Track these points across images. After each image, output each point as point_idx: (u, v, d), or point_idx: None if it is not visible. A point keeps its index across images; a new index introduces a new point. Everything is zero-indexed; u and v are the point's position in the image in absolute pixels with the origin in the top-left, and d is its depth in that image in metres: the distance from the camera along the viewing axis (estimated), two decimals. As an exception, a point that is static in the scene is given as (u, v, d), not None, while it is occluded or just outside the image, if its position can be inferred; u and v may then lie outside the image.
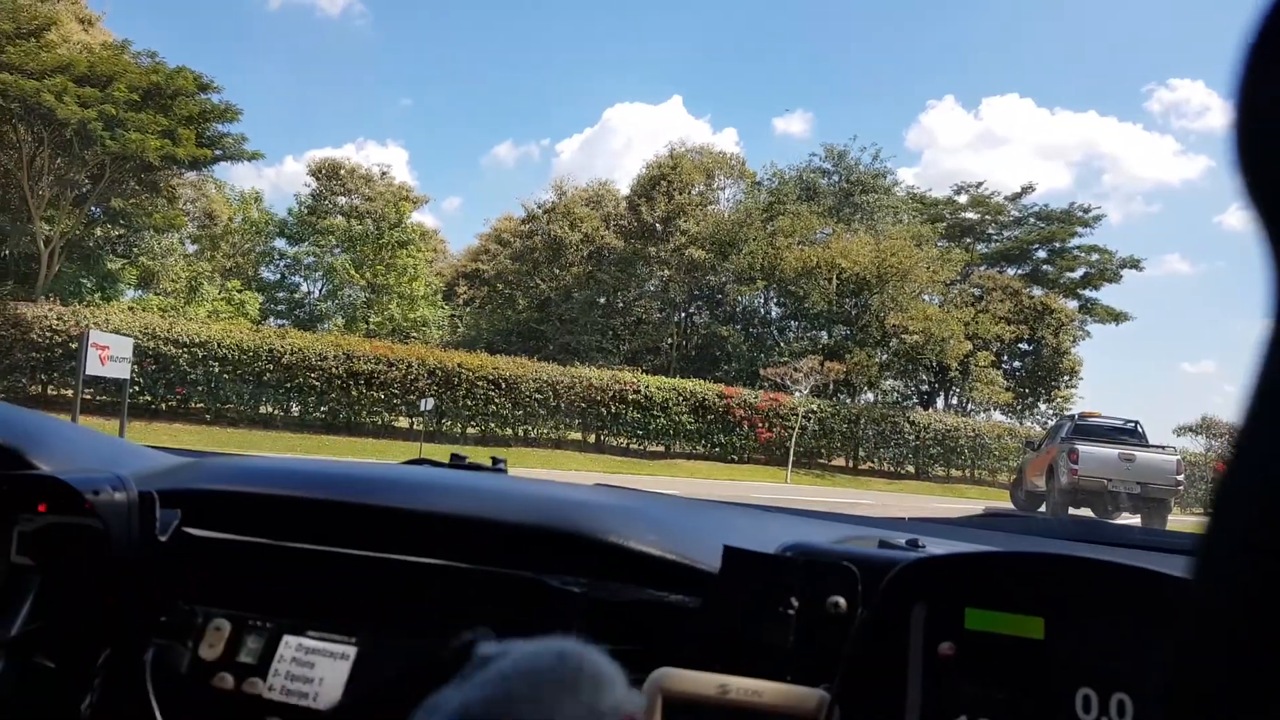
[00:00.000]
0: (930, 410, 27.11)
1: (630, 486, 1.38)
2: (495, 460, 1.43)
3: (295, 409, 19.69)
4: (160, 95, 20.11)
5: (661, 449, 22.43)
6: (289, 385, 18.96)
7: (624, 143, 63.51)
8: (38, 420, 1.17)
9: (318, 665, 0.87)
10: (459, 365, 20.17)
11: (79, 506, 0.90)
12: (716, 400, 22.07)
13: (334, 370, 19.06)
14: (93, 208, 22.11)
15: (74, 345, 16.31)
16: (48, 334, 17.19)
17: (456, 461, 1.41)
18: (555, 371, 21.28)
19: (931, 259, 27.00)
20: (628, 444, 22.09)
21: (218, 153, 21.85)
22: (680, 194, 29.91)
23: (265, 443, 16.96)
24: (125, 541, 0.92)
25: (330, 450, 16.91)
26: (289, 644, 0.89)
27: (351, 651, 0.88)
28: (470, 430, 20.83)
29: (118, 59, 20.17)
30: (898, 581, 0.71)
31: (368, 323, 29.86)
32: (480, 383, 20.21)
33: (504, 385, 20.43)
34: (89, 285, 22.68)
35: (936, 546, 0.87)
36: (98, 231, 23.49)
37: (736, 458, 22.24)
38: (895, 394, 29.66)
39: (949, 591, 0.70)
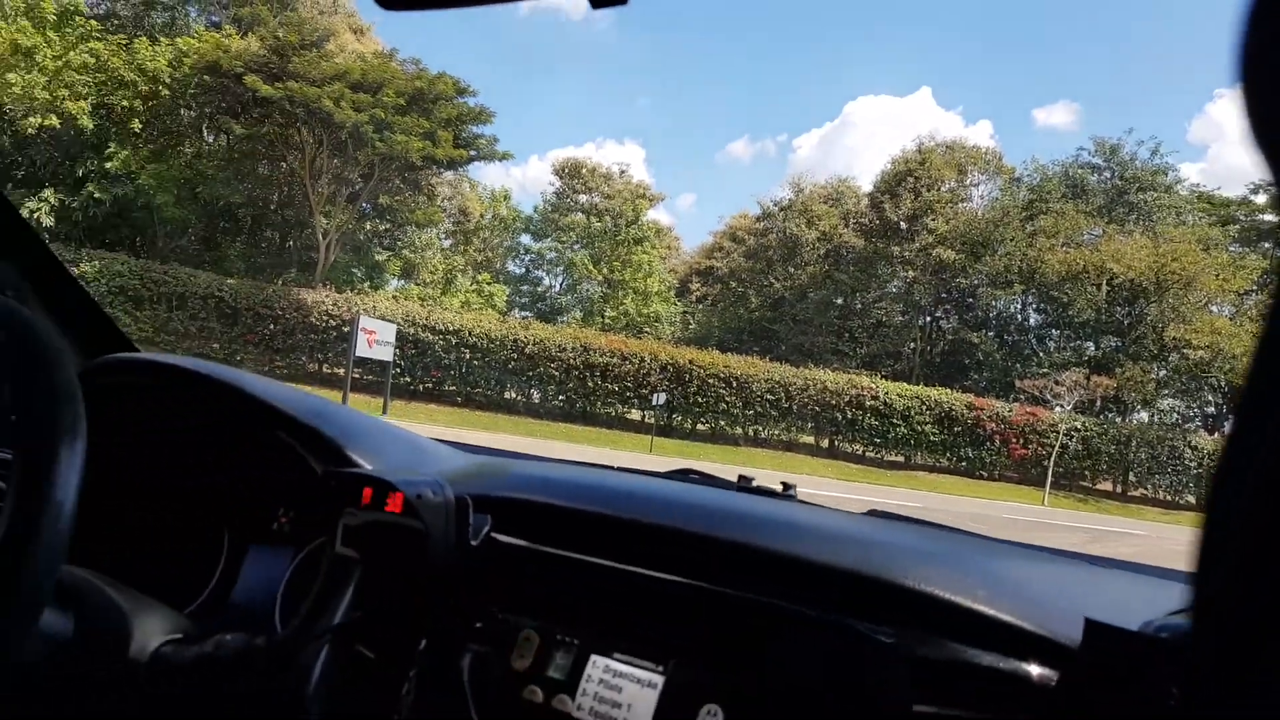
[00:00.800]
0: (1218, 434, 24.17)
1: (907, 515, 1.28)
2: (785, 486, 1.33)
3: (536, 396, 20.69)
4: (423, 100, 21.48)
5: (901, 459, 21.66)
6: (531, 374, 19.84)
7: (866, 138, 61.86)
8: (356, 418, 1.24)
9: (625, 690, 0.85)
10: (691, 362, 20.28)
11: (402, 508, 0.92)
12: (965, 411, 20.93)
13: (572, 361, 19.71)
14: (363, 204, 24.05)
15: (346, 329, 17.74)
16: (324, 318, 18.88)
17: (744, 484, 1.32)
18: (788, 373, 20.94)
19: (1221, 265, 24.44)
20: (864, 451, 21.49)
21: (472, 153, 23.14)
22: (928, 191, 28.88)
23: (508, 426, 17.71)
24: (443, 544, 0.94)
25: (566, 437, 17.36)
26: (596, 664, 0.87)
27: (659, 680, 0.84)
28: (700, 427, 20.92)
29: (386, 66, 21.75)
30: None
31: (604, 317, 30.68)
32: (711, 380, 20.21)
33: (735, 384, 20.33)
34: (359, 274, 24.71)
35: None
36: (367, 226, 25.55)
37: (985, 474, 21.12)
38: (1174, 414, 27.26)
39: None
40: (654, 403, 19.50)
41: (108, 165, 20.13)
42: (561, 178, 33.71)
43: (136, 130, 20.74)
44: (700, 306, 36.94)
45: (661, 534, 0.95)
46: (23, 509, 0.68)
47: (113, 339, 1.49)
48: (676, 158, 73.50)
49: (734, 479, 1.35)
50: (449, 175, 27.05)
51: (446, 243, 32.87)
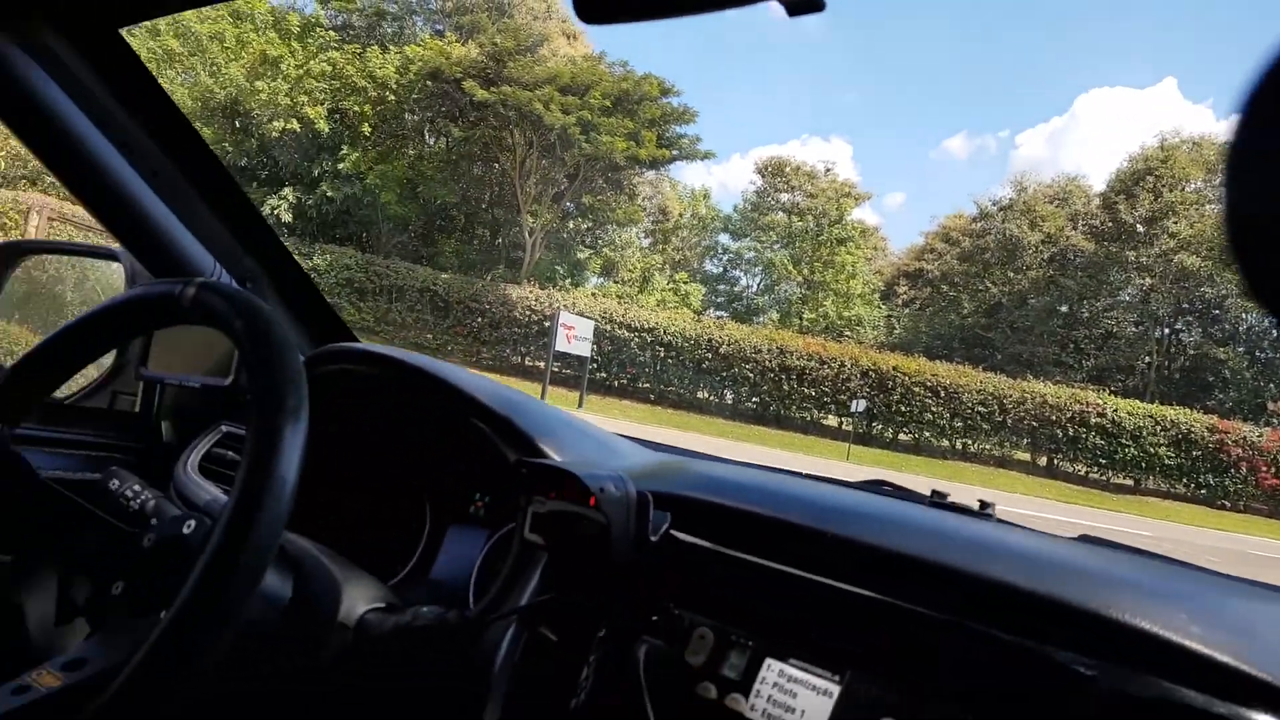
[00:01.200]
0: None
1: (1125, 544, 1.14)
2: (983, 504, 1.21)
3: (729, 397, 20.48)
4: (628, 101, 21.77)
5: (1129, 483, 19.91)
6: (724, 374, 19.66)
7: (1098, 134, 57.45)
8: (548, 412, 1.31)
9: (800, 696, 0.83)
10: (894, 368, 19.47)
11: (585, 499, 0.95)
12: (1206, 434, 18.92)
13: (767, 363, 19.39)
14: (568, 203, 24.73)
15: (547, 324, 18.29)
16: (527, 312, 19.60)
17: (938, 499, 1.22)
18: (1003, 384, 19.72)
19: None
20: (1086, 472, 19.88)
21: (675, 153, 23.22)
22: (1170, 191, 26.60)
23: (699, 425, 17.63)
24: (624, 538, 0.96)
25: (759, 440, 17.05)
26: (771, 667, 0.86)
27: (835, 689, 0.82)
28: (902, 437, 20.11)
29: (595, 69, 22.19)
30: None
31: (801, 319, 30.14)
32: (916, 388, 19.35)
33: (943, 394, 19.35)
34: (561, 272, 25.48)
35: None
36: (570, 225, 26.30)
37: (1227, 504, 19.03)
38: None
39: None
40: (853, 409, 18.86)
41: (340, 166, 21.75)
42: (763, 176, 33.31)
43: (366, 133, 22.30)
44: (907, 310, 35.69)
45: (844, 544, 0.91)
46: (251, 481, 0.73)
47: (336, 328, 1.66)
48: (886, 154, 71.20)
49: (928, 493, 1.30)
50: (650, 175, 27.39)
51: (645, 241, 33.25)
